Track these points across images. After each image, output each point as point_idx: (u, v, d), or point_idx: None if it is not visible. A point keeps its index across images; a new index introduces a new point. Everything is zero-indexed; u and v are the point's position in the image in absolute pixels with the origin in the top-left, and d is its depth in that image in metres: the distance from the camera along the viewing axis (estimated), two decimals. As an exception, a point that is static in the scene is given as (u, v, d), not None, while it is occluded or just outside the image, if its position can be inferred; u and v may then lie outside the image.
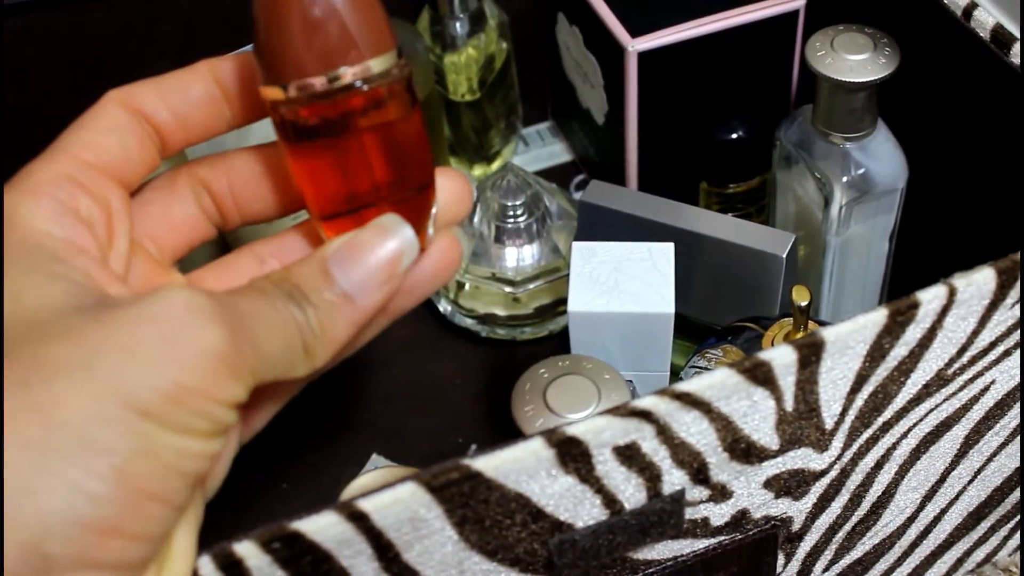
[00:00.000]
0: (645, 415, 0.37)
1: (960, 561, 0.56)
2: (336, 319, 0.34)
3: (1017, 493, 0.53)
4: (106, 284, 0.32)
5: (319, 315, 0.33)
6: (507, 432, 0.49)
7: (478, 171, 0.78)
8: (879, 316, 0.39)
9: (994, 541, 0.56)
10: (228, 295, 0.32)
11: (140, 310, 0.29)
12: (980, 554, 0.57)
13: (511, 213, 0.66)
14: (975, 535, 0.55)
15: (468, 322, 0.69)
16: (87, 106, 0.36)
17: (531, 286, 0.67)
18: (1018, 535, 0.57)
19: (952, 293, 0.40)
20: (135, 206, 0.37)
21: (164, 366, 0.29)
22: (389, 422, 0.67)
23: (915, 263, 0.64)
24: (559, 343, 0.69)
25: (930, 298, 0.39)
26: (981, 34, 0.52)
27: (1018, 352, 0.44)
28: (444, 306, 0.70)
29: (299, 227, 0.39)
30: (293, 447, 0.66)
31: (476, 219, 0.67)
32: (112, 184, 0.35)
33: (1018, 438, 0.49)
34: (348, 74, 0.33)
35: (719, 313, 0.60)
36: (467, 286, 0.68)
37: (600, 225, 0.60)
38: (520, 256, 0.67)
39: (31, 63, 0.65)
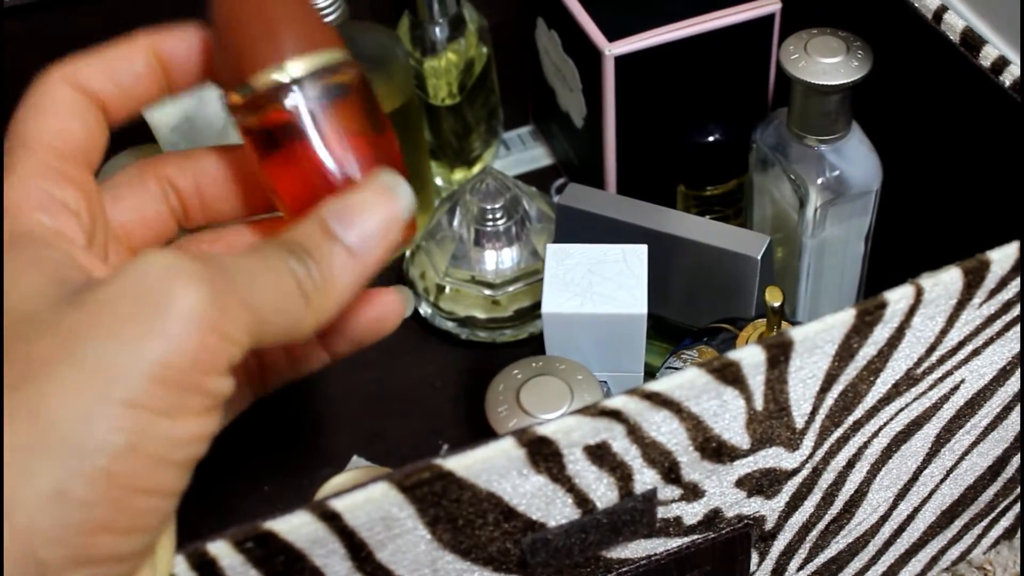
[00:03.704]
0: (615, 415, 0.37)
1: (935, 559, 0.56)
2: (340, 270, 0.33)
3: (990, 492, 0.54)
4: (96, 272, 0.33)
5: (321, 268, 0.33)
6: (488, 434, 0.49)
7: (459, 175, 0.78)
8: (847, 316, 0.39)
9: (968, 539, 0.57)
10: (216, 254, 0.32)
11: (116, 285, 0.29)
12: (955, 552, 0.57)
13: (490, 216, 0.67)
14: (949, 533, 0.55)
15: (448, 325, 0.70)
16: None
17: (510, 289, 0.67)
18: (992, 533, 0.58)
19: (919, 293, 0.40)
20: (109, 199, 0.37)
21: (146, 344, 0.28)
22: (370, 424, 0.67)
23: (891, 264, 0.64)
24: (539, 345, 0.69)
25: (897, 298, 0.40)
26: (951, 37, 0.52)
27: (987, 351, 0.45)
28: (424, 309, 0.70)
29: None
30: (274, 449, 0.66)
31: (456, 222, 0.68)
32: (87, 172, 0.35)
33: (989, 436, 0.50)
34: (286, 69, 0.34)
35: (696, 315, 0.60)
36: (447, 289, 0.68)
37: (578, 228, 0.61)
38: (499, 259, 0.67)
39: (20, 64, 0.65)
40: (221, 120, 0.59)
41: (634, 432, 0.38)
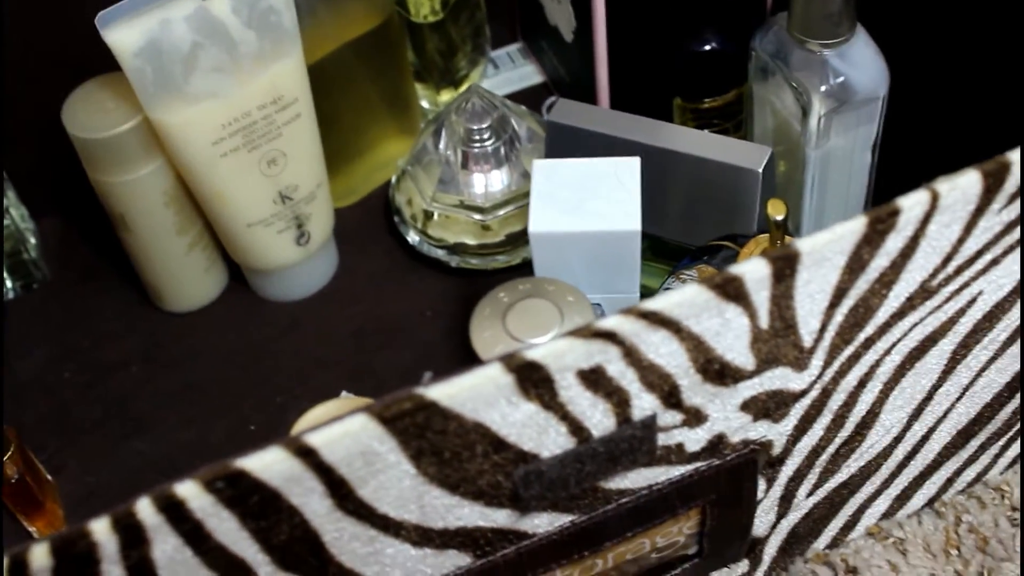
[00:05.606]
0: (610, 336, 0.35)
1: (950, 481, 0.55)
2: None
3: (1007, 409, 0.52)
4: None
5: None
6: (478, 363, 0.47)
7: (445, 97, 0.75)
8: (858, 225, 0.37)
9: (984, 460, 0.55)
10: None
11: None
12: (971, 473, 0.55)
13: (477, 137, 0.64)
14: (965, 454, 0.53)
15: (438, 253, 0.67)
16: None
17: (501, 213, 0.65)
18: (1009, 452, 0.56)
19: (935, 198, 0.38)
20: None
21: None
22: (358, 358, 0.65)
23: (900, 175, 0.62)
24: (533, 270, 0.67)
25: (911, 204, 0.38)
26: (963, -73, 0.49)
27: (1006, 260, 0.42)
28: (412, 237, 0.67)
29: None
30: (260, 388, 0.64)
31: (442, 144, 0.65)
32: None
33: (1008, 351, 0.47)
34: None
35: (695, 233, 0.58)
36: (435, 215, 0.66)
37: (570, 146, 0.58)
38: (488, 182, 0.65)
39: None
40: (188, 43, 0.56)
41: (630, 354, 0.36)
